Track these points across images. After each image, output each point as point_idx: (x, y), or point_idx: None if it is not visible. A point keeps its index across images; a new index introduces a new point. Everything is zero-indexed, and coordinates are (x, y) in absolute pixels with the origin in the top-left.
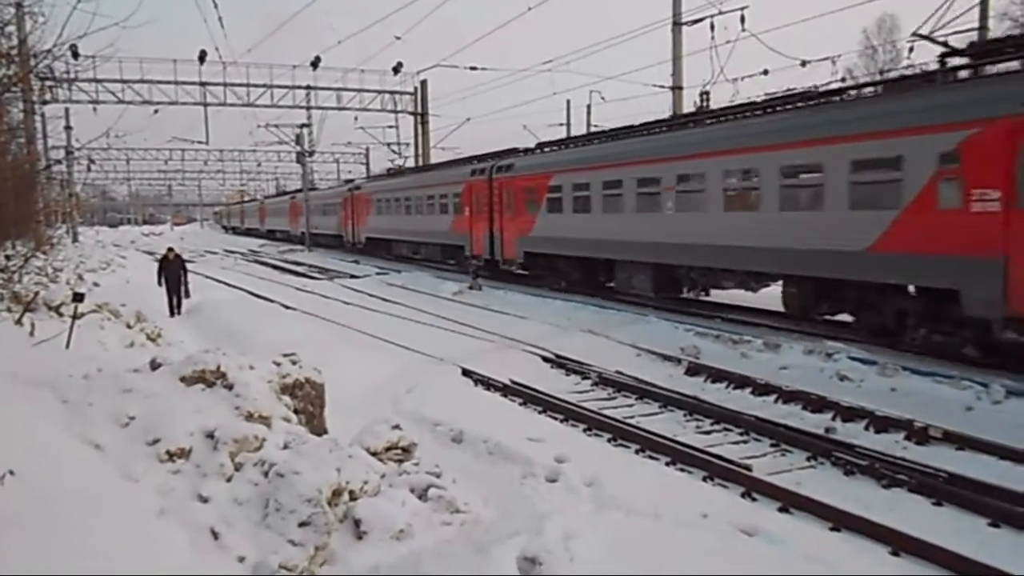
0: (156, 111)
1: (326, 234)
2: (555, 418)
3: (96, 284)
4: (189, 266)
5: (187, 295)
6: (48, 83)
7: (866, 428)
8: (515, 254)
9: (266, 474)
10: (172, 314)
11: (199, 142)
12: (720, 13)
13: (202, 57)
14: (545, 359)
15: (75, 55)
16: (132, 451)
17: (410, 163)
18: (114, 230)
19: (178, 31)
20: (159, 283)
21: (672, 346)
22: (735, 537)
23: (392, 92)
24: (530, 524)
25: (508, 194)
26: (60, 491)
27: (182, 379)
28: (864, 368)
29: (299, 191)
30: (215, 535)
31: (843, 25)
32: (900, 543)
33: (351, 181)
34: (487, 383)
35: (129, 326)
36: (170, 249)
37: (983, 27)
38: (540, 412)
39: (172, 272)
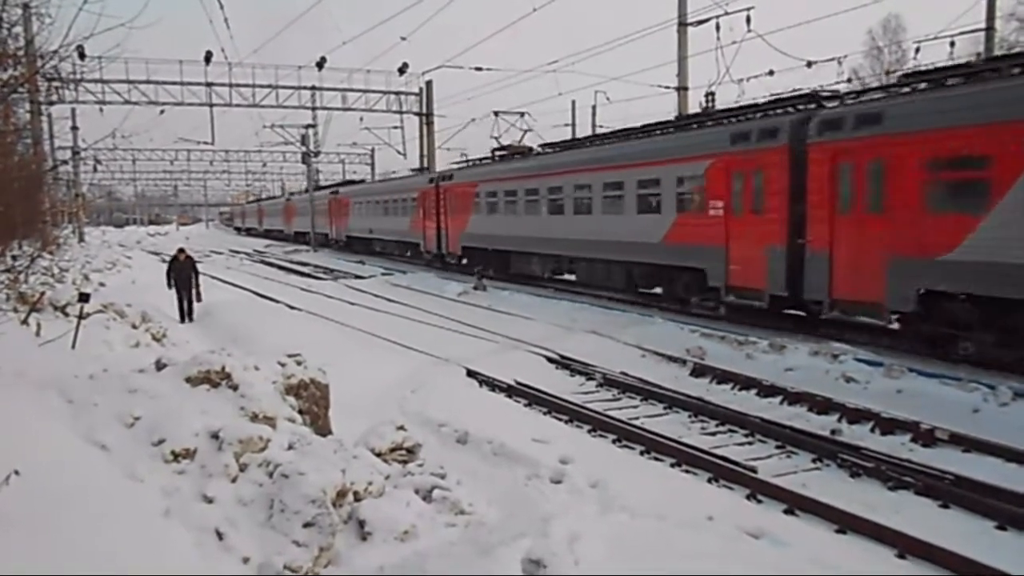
0: (162, 112)
1: (320, 233)
2: (560, 419)
3: (102, 284)
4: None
5: (198, 299)
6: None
7: (872, 430)
8: (456, 248)
9: (271, 475)
10: (183, 319)
11: (205, 142)
12: (726, 14)
13: (208, 58)
14: (550, 360)
15: (81, 56)
16: (137, 451)
17: (415, 164)
18: (120, 230)
19: (184, 32)
20: (168, 285)
21: (677, 347)
22: (741, 539)
23: (397, 93)
24: (535, 526)
25: (450, 199)
26: (65, 491)
27: (187, 379)
28: (870, 370)
29: (339, 185)
30: (220, 536)
31: (849, 26)
32: (907, 546)
33: (335, 186)
34: (492, 384)
35: (135, 326)
36: (180, 250)
37: (990, 27)
38: (545, 413)
39: (182, 274)
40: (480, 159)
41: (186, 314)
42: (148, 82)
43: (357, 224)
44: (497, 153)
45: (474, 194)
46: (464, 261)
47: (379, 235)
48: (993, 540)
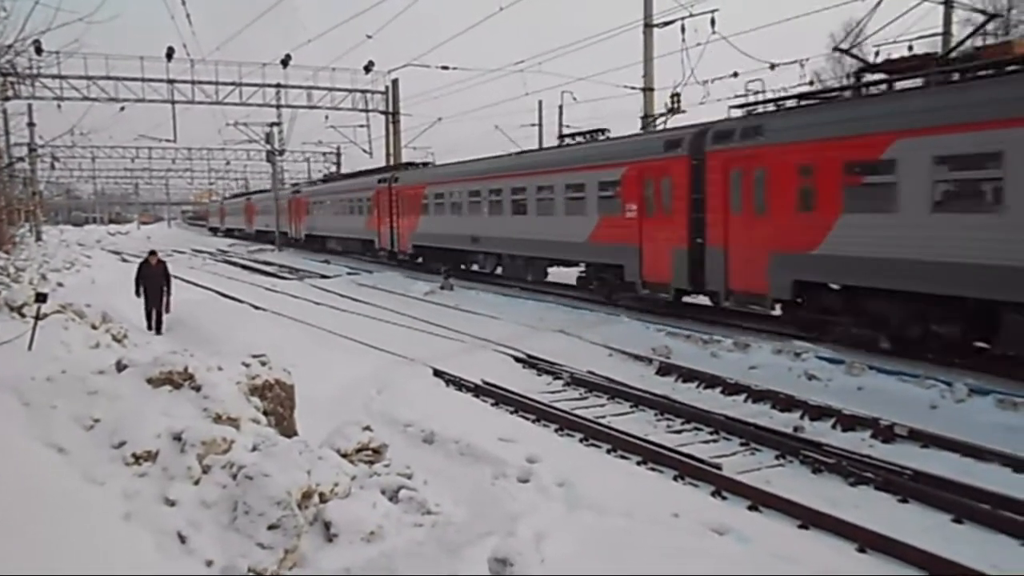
0: (122, 108)
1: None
2: (527, 418)
3: (60, 284)
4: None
5: (167, 310)
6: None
7: (833, 426)
8: (407, 247)
9: (235, 476)
10: (150, 328)
11: (167, 140)
12: (691, 16)
13: (170, 54)
14: (517, 359)
15: (38, 51)
16: (97, 454)
17: (381, 162)
18: (79, 229)
19: (145, 28)
20: (137, 293)
21: (644, 346)
22: (706, 536)
23: (363, 91)
24: (502, 525)
25: (402, 200)
26: (21, 495)
27: (149, 381)
28: (831, 367)
29: (370, 172)
30: (182, 539)
31: (811, 29)
32: (867, 540)
33: (296, 186)
34: (459, 383)
35: (94, 327)
36: (152, 253)
37: (947, 32)
38: (512, 412)
39: (153, 282)
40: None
41: (154, 324)
42: (108, 78)
43: (316, 223)
44: None
45: (423, 195)
46: (419, 260)
47: (337, 233)
48: (950, 533)
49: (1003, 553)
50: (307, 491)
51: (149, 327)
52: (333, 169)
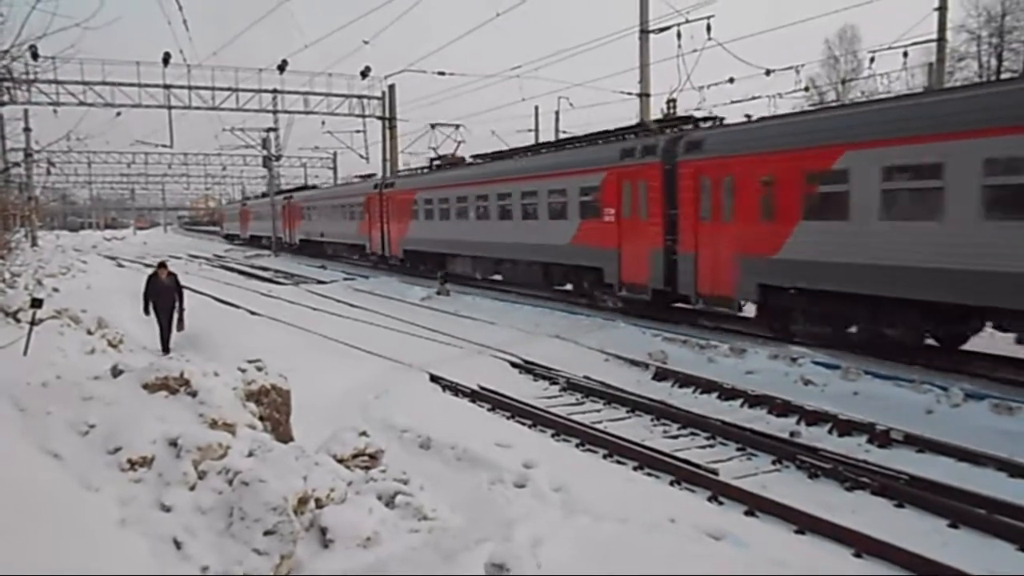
0: (119, 114)
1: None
2: (523, 423)
3: (56, 290)
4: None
5: (180, 327)
6: (6, 84)
7: (830, 431)
8: (398, 251)
9: (230, 482)
10: (166, 351)
11: (163, 145)
12: (687, 22)
13: (166, 59)
14: (513, 364)
15: (35, 56)
16: (92, 460)
17: (377, 168)
18: (75, 234)
19: (141, 33)
20: (146, 311)
21: (640, 351)
22: (702, 541)
23: (360, 96)
24: (498, 530)
25: (392, 205)
26: (16, 501)
27: (144, 386)
28: (827, 372)
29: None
30: (178, 545)
31: (807, 35)
32: (863, 545)
33: (288, 192)
34: (455, 389)
35: (90, 332)
36: (162, 265)
37: (942, 38)
38: (508, 418)
39: (164, 299)
40: (418, 169)
41: (167, 343)
42: (104, 83)
43: (309, 228)
44: (434, 163)
45: (413, 201)
46: (408, 264)
47: (330, 238)
48: (945, 538)
49: (998, 557)
50: (303, 497)
51: (165, 351)
52: (330, 174)
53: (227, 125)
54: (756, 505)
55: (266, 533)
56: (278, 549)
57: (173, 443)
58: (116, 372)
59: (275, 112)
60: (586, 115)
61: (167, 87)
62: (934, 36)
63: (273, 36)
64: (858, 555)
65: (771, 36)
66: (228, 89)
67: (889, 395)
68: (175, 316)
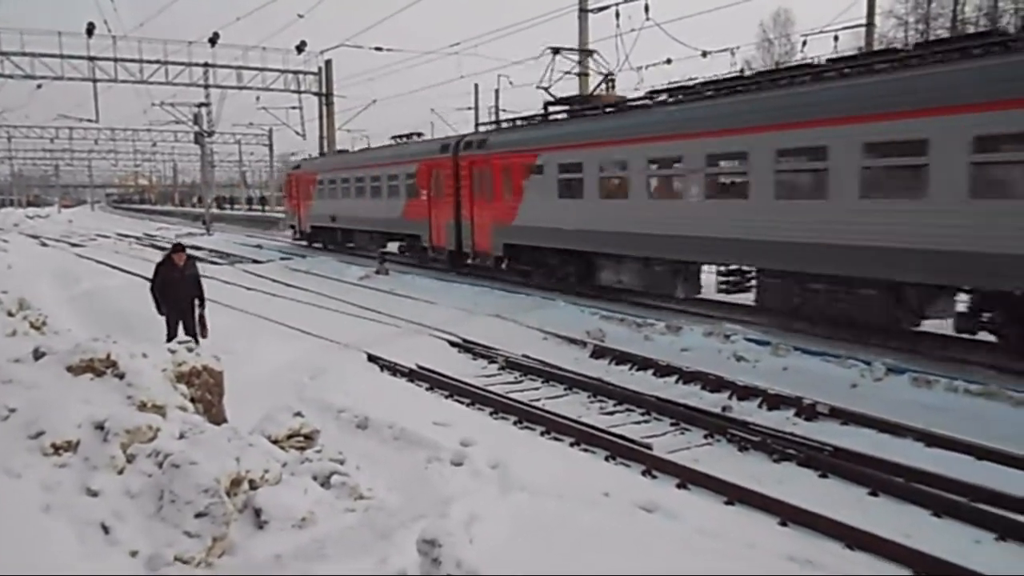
0: (39, 86)
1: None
2: (461, 402)
3: None
4: (80, 251)
5: (204, 332)
6: None
7: (760, 406)
8: (306, 227)
9: (160, 465)
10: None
11: (88, 120)
12: (626, 2)
13: (90, 30)
14: (452, 344)
15: None
16: (13, 445)
17: (313, 145)
18: None
19: (62, 1)
20: (159, 310)
21: (578, 329)
22: (635, 514)
23: (295, 72)
24: (435, 508)
25: (300, 185)
26: None
27: (69, 369)
28: (759, 349)
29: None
30: (106, 529)
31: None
32: (788, 514)
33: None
34: (393, 368)
35: (11, 314)
36: (178, 248)
37: (870, 23)
38: (447, 397)
39: (180, 292)
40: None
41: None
42: (23, 54)
43: (336, 209)
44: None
45: (316, 181)
46: (315, 243)
47: (355, 224)
48: (866, 506)
49: (916, 523)
50: (236, 478)
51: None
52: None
53: (156, 100)
54: (688, 478)
55: (197, 515)
56: (210, 531)
57: (100, 426)
58: (38, 355)
59: (207, 87)
60: (526, 93)
61: (92, 59)
62: (864, 21)
63: (203, 7)
64: (783, 524)
65: (708, 18)
66: (157, 62)
67: (816, 370)
68: (195, 316)
